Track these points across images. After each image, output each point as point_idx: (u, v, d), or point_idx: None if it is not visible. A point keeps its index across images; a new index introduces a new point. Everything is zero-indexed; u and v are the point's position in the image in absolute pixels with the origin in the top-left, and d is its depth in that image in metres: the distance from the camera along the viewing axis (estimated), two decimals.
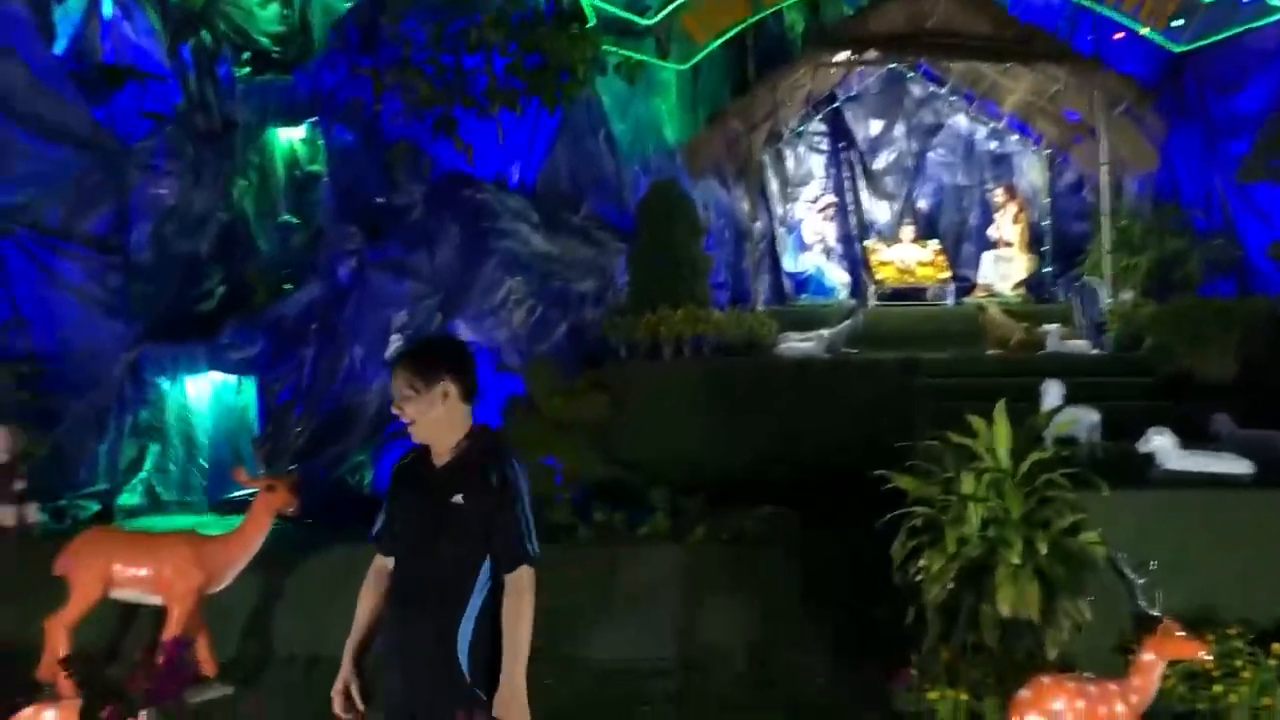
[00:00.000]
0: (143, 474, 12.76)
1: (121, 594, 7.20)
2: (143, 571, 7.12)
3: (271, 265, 14.91)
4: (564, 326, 12.98)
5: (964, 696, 6.25)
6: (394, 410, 3.79)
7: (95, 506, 12.25)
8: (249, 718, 6.88)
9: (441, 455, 3.79)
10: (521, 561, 3.65)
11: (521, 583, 3.64)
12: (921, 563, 6.56)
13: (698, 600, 8.25)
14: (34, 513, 10.34)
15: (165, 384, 12.98)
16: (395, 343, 13.33)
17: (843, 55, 13.69)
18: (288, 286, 14.51)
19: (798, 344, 12.43)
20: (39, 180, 12.88)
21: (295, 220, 15.36)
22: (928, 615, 6.57)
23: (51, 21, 13.30)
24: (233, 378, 13.20)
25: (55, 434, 11.46)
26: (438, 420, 3.72)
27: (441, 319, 13.38)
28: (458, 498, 3.69)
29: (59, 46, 13.60)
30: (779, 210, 16.56)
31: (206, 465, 12.97)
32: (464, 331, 13.22)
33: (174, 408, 12.98)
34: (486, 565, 3.67)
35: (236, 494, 12.66)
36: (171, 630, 7.09)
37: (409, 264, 13.57)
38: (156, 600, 7.23)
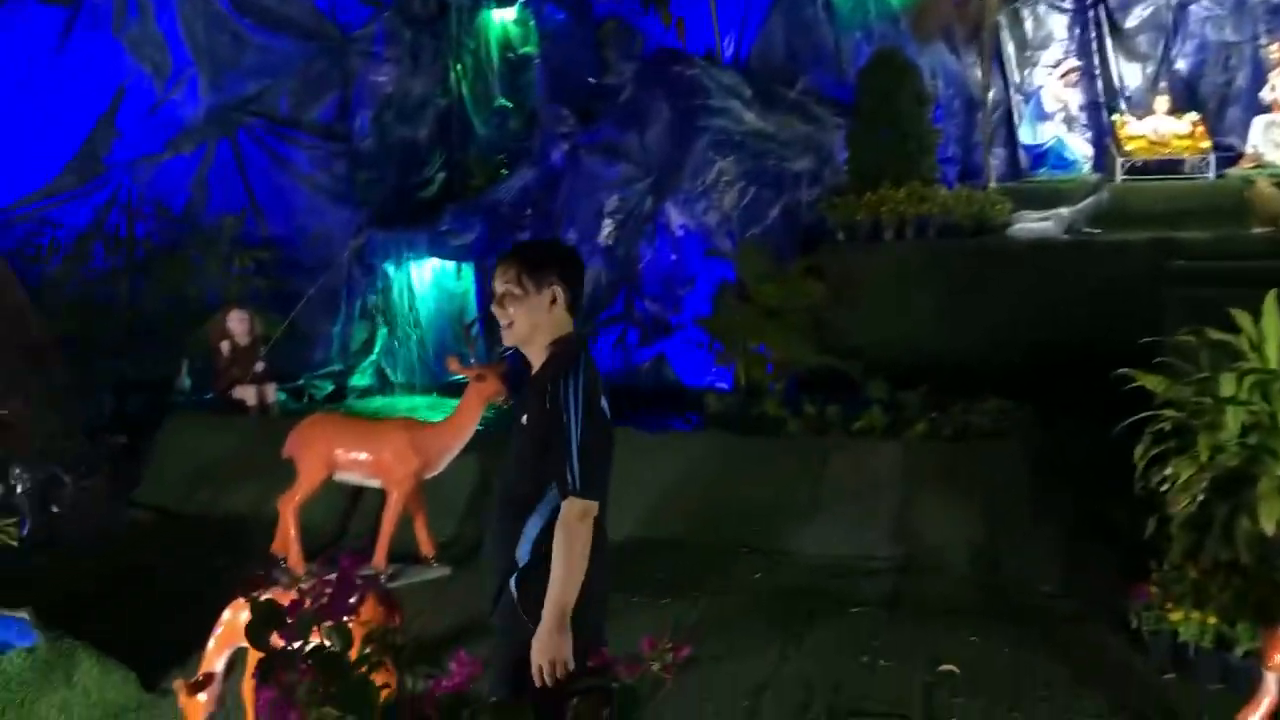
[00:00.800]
0: (372, 356, 13.30)
1: (344, 476, 7.47)
2: (362, 456, 7.34)
3: (488, 150, 15.03)
4: (777, 208, 12.47)
5: (1212, 620, 5.63)
6: (493, 309, 3.45)
7: (329, 386, 12.89)
8: (460, 594, 7.03)
9: (534, 367, 3.51)
10: (564, 493, 3.30)
11: (566, 516, 3.28)
12: (1168, 471, 5.90)
13: (917, 498, 7.82)
14: (273, 392, 10.90)
15: (390, 269, 13.38)
16: (607, 227, 13.23)
17: None
18: (504, 172, 14.61)
19: (1033, 224, 11.46)
20: (268, 70, 13.33)
21: (510, 104, 15.35)
22: (1172, 528, 5.94)
23: None
24: (451, 263, 13.45)
25: (291, 317, 12.00)
26: (537, 327, 3.41)
27: (652, 202, 13.14)
28: (524, 418, 3.46)
29: None
30: (1015, 77, 15.21)
31: (431, 349, 13.36)
32: (675, 215, 12.95)
33: (399, 292, 13.38)
34: (550, 491, 3.37)
35: (458, 378, 13.02)
36: (391, 512, 7.32)
37: (620, 146, 13.35)
38: (376, 483, 7.46)
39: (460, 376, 7.75)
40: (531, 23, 15.19)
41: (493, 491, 8.59)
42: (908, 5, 13.46)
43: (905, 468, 8.04)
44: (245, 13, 13.08)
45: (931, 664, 5.72)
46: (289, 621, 2.38)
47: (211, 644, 4.54)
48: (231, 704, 4.68)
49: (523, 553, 3.41)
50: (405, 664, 2.59)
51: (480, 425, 7.49)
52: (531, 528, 3.40)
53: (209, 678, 4.50)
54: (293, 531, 7.41)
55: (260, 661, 2.31)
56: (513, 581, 3.41)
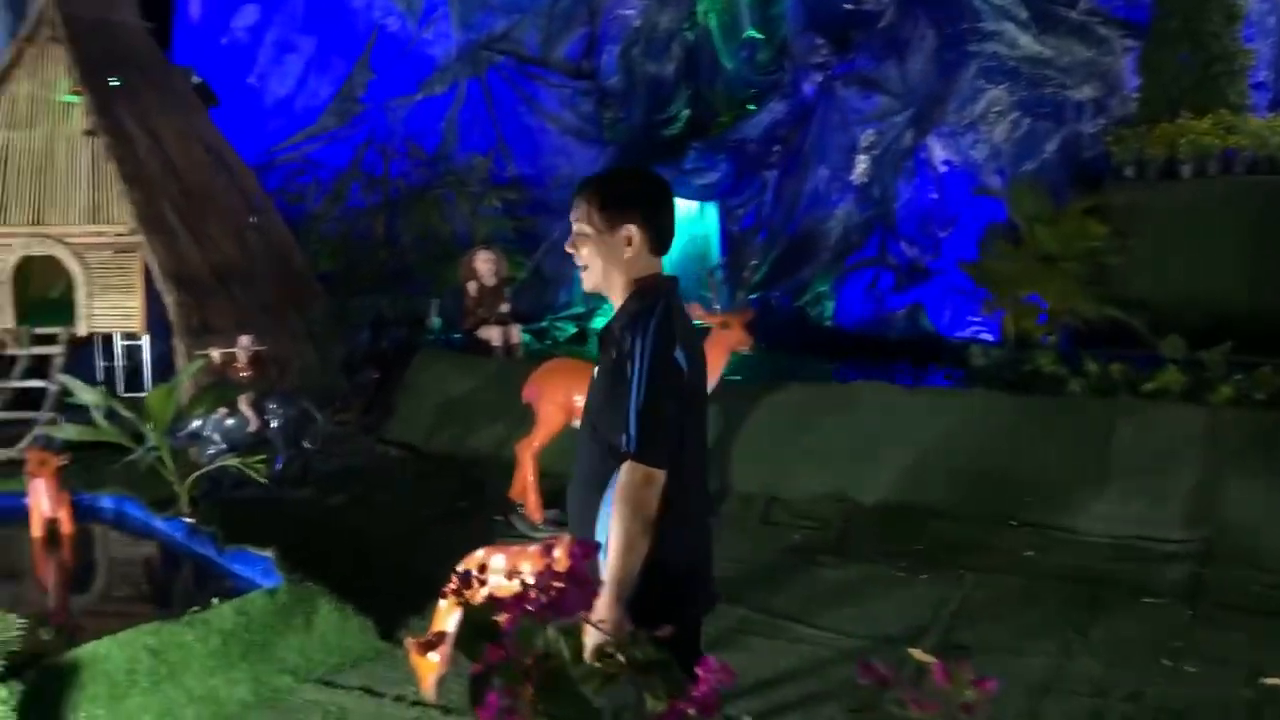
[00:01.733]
0: None
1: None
2: None
3: (736, 85, 14.43)
4: (1055, 142, 11.28)
5: None
6: (567, 248, 2.97)
7: (571, 329, 12.79)
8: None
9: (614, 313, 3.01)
10: (621, 455, 2.77)
11: (623, 481, 2.75)
12: None
13: (1222, 474, 6.79)
14: (518, 334, 10.82)
15: None
16: (861, 164, 12.43)
17: None
18: (751, 108, 14.00)
19: None
20: (518, 7, 13.22)
21: (760, 35, 14.64)
22: None
23: None
24: (694, 204, 13.00)
25: (536, 259, 11.90)
26: (611, 270, 2.90)
27: (912, 136, 12.20)
28: (596, 369, 2.96)
29: None
30: None
31: None
32: (937, 150, 11.97)
33: None
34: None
35: (695, 322, 12.64)
36: None
37: (877, 76, 12.47)
38: None
39: (702, 323, 7.27)
40: None
41: (730, 443, 8.23)
42: None
43: (1208, 437, 6.99)
44: None
45: (1252, 675, 4.84)
46: (507, 630, 1.96)
47: (443, 603, 4.30)
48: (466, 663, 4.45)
49: (603, 516, 2.88)
50: (645, 676, 2.12)
51: (724, 375, 7.02)
52: (607, 503, 2.89)
53: (440, 637, 4.26)
54: (530, 478, 7.20)
55: (474, 679, 1.91)
56: (600, 562, 2.92)
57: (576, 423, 7.08)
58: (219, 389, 7.70)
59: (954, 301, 11.24)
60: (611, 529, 2.75)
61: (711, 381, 6.96)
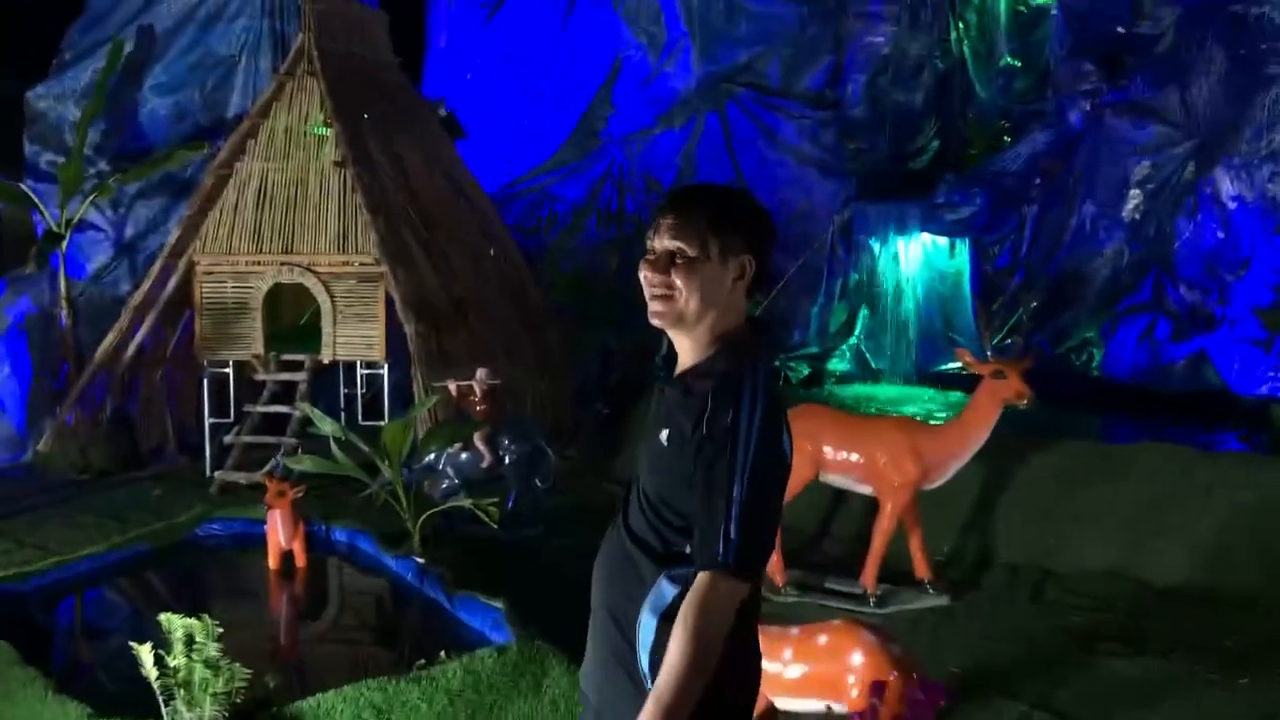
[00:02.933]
0: (852, 339, 12.39)
1: (830, 478, 6.56)
2: (854, 457, 6.38)
3: (990, 115, 13.53)
4: None
5: None
6: (644, 271, 2.32)
7: (806, 370, 12.17)
8: (962, 632, 5.87)
9: (684, 361, 2.35)
10: (706, 563, 2.12)
11: (704, 593, 2.11)
12: None
13: None
14: None
15: (876, 245, 12.36)
16: (1134, 199, 11.30)
17: None
18: (1006, 139, 13.06)
19: None
20: (760, 38, 12.82)
21: (1018, 63, 13.68)
22: None
23: None
24: (944, 240, 12.16)
25: (771, 295, 11.35)
26: (709, 308, 2.28)
27: (1194, 169, 10.97)
28: (664, 434, 2.30)
29: None
30: None
31: (915, 334, 12.19)
32: (1225, 185, 10.70)
33: (885, 271, 12.33)
34: (682, 552, 2.23)
35: (947, 367, 11.77)
36: (884, 525, 6.32)
37: (1155, 104, 11.31)
38: (867, 489, 6.48)
39: (958, 364, 6.54)
40: None
41: (993, 506, 7.40)
42: None
43: None
44: None
45: None
46: None
47: None
48: None
49: (646, 625, 2.26)
50: None
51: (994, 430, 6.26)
52: (659, 594, 2.25)
53: None
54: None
55: None
56: (644, 662, 2.25)
57: (824, 477, 6.52)
58: (454, 424, 7.54)
59: (1246, 353, 9.96)
60: (675, 644, 2.11)
61: (981, 437, 6.23)
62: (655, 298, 2.34)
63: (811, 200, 12.58)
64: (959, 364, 11.80)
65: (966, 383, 11.51)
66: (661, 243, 2.35)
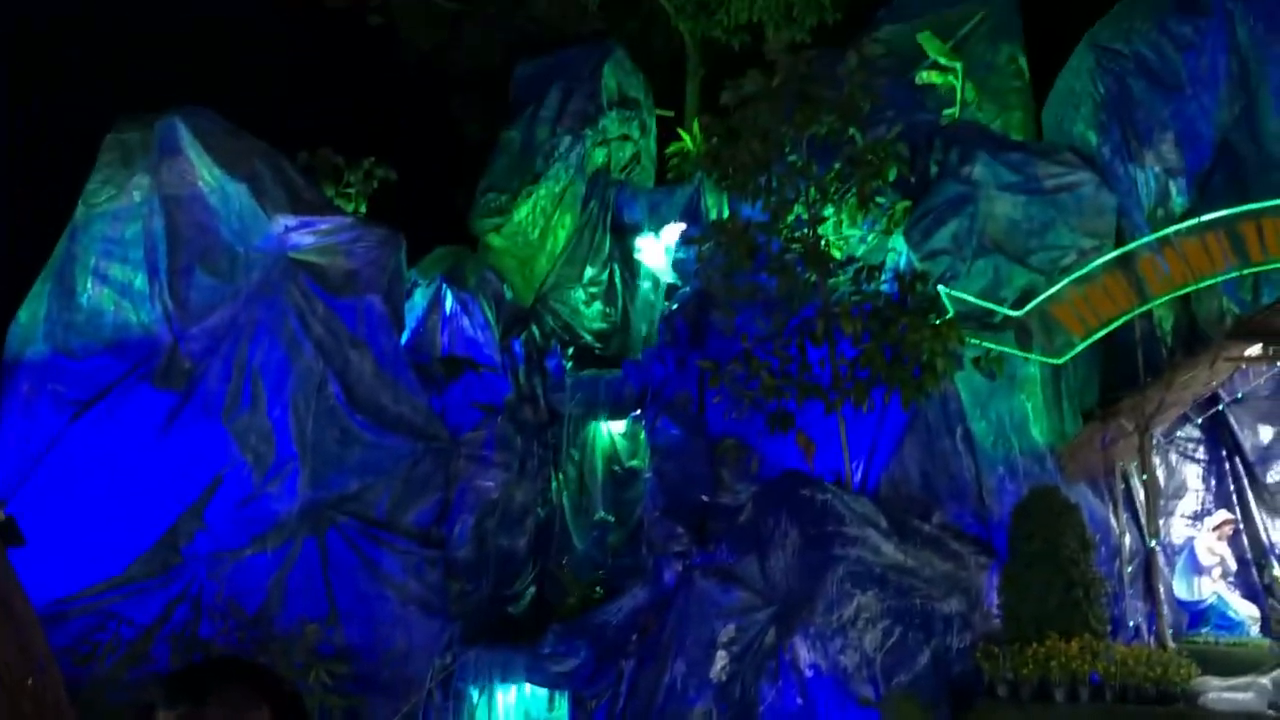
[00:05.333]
0: None
1: None
2: None
3: (585, 565, 14.02)
4: (926, 653, 11.04)
5: None
6: None
7: None
8: None
9: None
10: None
11: None
12: None
13: None
14: None
15: (474, 693, 11.87)
16: (721, 660, 11.83)
17: (1256, 349, 11.85)
18: (598, 590, 13.48)
19: (1233, 695, 9.94)
20: (372, 469, 12.70)
21: (611, 518, 14.52)
22: None
23: (401, 314, 13.53)
24: (544, 691, 11.94)
25: None
26: None
27: (775, 635, 11.78)
28: None
29: (403, 338, 13.79)
30: (1150, 526, 14.29)
31: None
32: (802, 652, 11.53)
33: None
34: None
35: None
36: None
37: (738, 571, 12.24)
38: None
39: None
40: (641, 436, 14.72)
41: None
42: (1052, 443, 12.79)
43: None
44: (359, 409, 12.65)
45: None
46: None
47: None
48: None
49: None
50: None
51: None
52: None
53: None
54: None
55: None
56: None
57: None
58: None
59: None
60: None
61: None
62: None
63: (410, 640, 12.02)
64: None
65: None
66: None
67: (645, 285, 16.46)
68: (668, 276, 16.18)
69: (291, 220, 13.01)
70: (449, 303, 14.71)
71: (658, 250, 16.41)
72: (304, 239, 13.09)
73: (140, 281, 12.67)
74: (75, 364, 12.44)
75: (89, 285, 12.68)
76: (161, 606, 11.61)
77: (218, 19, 19.03)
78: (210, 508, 12.07)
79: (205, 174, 12.98)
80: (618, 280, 16.70)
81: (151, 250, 12.68)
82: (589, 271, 16.59)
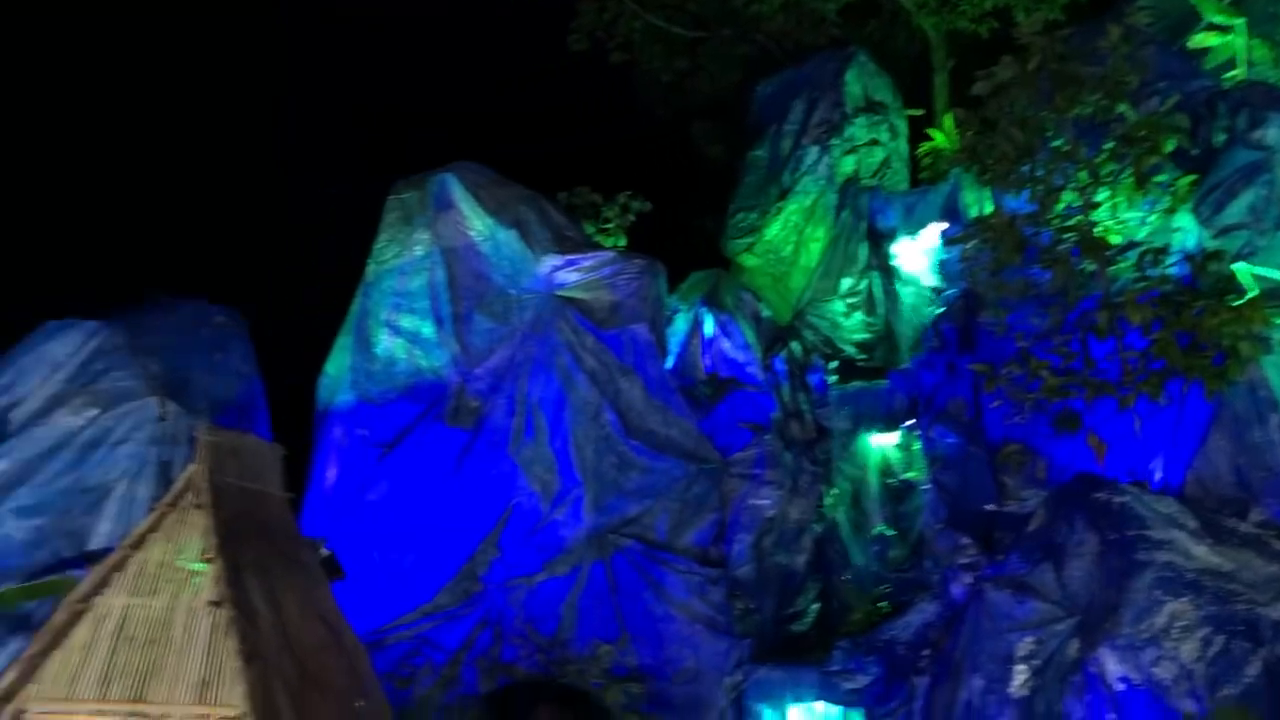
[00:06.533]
0: None
1: None
2: None
3: (867, 581, 13.77)
4: (1257, 663, 10.13)
5: None
6: None
7: None
8: None
9: None
10: None
11: None
12: None
13: None
14: None
15: (767, 711, 11.88)
16: (1020, 675, 11.29)
17: None
18: (883, 604, 13.20)
19: None
20: (649, 492, 13.01)
21: (891, 531, 14.19)
22: None
23: (665, 340, 13.83)
24: (837, 708, 11.79)
25: None
26: None
27: (1078, 647, 11.13)
28: None
29: (668, 363, 14.08)
30: None
31: None
32: (1110, 665, 10.83)
33: None
34: None
35: None
36: None
37: (1032, 581, 11.66)
38: None
39: None
40: (915, 447, 14.32)
41: None
42: None
43: None
44: (633, 435, 13.01)
45: None
46: None
47: None
48: None
49: None
50: None
51: None
52: None
53: None
54: None
55: None
56: None
57: None
58: None
59: None
60: None
61: None
62: None
63: (699, 659, 12.18)
64: None
65: None
66: None
67: (906, 291, 16.02)
68: (930, 280, 15.71)
69: (557, 259, 13.63)
70: (709, 325, 14.91)
71: (917, 254, 15.98)
72: (569, 276, 13.67)
73: (428, 329, 13.61)
74: (377, 409, 13.48)
75: (383, 336, 13.74)
76: (467, 632, 12.31)
77: (470, 72, 20.26)
78: (504, 536, 12.73)
79: (477, 224, 13.83)
80: (877, 289, 16.35)
81: (435, 299, 13.61)
82: (846, 282, 16.35)
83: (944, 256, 15.15)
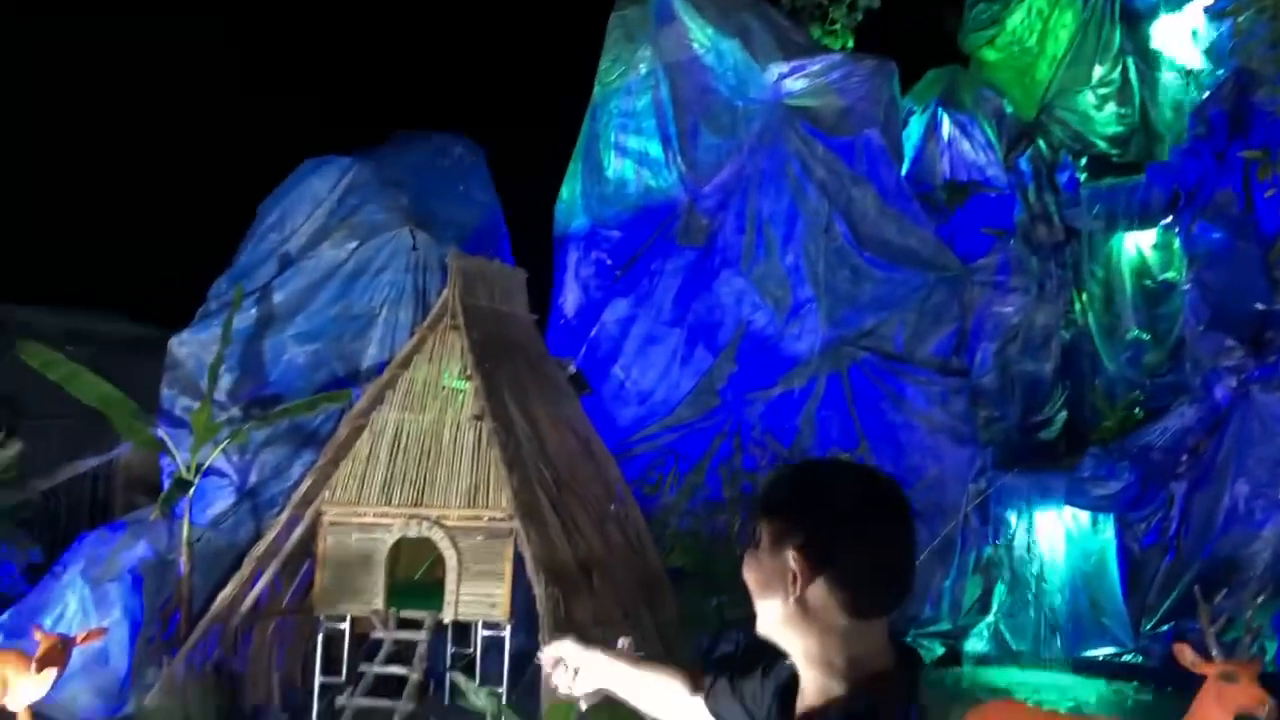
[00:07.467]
0: (989, 617, 11.64)
1: None
2: None
3: (1119, 387, 13.22)
4: None
5: None
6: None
7: (939, 649, 11.38)
8: None
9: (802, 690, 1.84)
10: None
11: None
12: None
13: None
14: None
15: (1012, 517, 11.80)
16: None
17: None
18: (1138, 411, 12.67)
19: None
20: (884, 303, 12.78)
21: (1146, 335, 13.48)
22: None
23: (900, 145, 13.32)
24: (1086, 515, 11.56)
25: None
26: (775, 619, 1.83)
27: None
28: None
29: (903, 169, 13.59)
30: None
31: (1062, 615, 11.40)
32: None
33: (1022, 545, 11.71)
34: None
35: (1098, 653, 10.92)
36: None
37: None
38: None
39: (1109, 650, 5.87)
40: (1175, 245, 13.38)
41: None
42: None
43: None
44: (866, 246, 12.74)
45: None
46: None
47: None
48: None
49: None
50: None
51: None
52: None
53: None
54: None
55: None
56: None
57: None
58: (616, 704, 6.93)
59: None
60: None
61: None
62: None
63: (942, 468, 12.14)
64: (1112, 649, 11.01)
65: (1124, 671, 10.71)
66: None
67: (1167, 76, 14.65)
68: (1195, 62, 14.29)
69: (783, 67, 13.21)
70: (946, 127, 14.21)
71: (1180, 33, 14.50)
72: (796, 84, 13.25)
73: (655, 149, 13.64)
74: (610, 232, 13.77)
75: (612, 158, 13.89)
76: (708, 442, 12.73)
77: None
78: (740, 351, 12.92)
79: (699, 36, 13.54)
80: (1132, 76, 15.02)
81: (661, 117, 13.57)
82: (1098, 71, 15.06)
83: (1212, 34, 13.71)
